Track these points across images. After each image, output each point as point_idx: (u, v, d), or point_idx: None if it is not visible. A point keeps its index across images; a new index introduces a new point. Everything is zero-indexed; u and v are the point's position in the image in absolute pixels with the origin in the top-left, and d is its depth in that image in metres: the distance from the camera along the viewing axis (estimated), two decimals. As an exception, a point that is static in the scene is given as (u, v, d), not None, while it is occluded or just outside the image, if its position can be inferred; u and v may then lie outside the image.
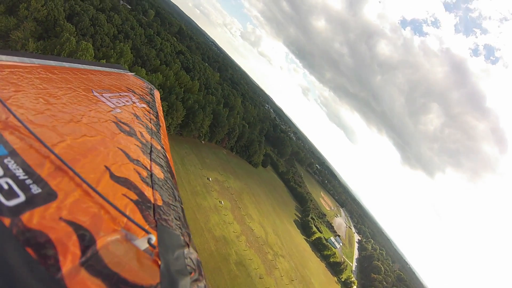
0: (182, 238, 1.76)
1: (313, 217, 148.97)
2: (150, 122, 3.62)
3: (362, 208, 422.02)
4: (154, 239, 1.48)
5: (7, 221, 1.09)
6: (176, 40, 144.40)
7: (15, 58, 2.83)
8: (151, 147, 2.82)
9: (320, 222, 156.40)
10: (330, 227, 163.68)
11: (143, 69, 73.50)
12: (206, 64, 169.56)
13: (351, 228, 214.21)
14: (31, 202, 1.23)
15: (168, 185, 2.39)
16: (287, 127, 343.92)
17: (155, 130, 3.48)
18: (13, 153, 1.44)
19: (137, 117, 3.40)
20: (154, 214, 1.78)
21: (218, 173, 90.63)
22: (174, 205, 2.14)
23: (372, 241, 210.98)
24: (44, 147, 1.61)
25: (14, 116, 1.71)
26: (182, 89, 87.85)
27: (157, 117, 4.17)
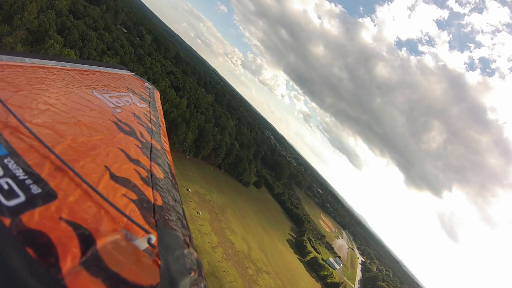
0: (182, 238, 1.77)
1: (310, 237, 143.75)
2: (150, 122, 3.61)
3: (367, 231, 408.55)
4: (154, 239, 1.47)
5: (7, 221, 1.09)
6: (170, 64, 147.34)
7: (15, 58, 2.83)
8: (151, 147, 2.81)
9: (319, 243, 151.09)
10: (330, 248, 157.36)
11: None
12: (202, 88, 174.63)
13: (353, 250, 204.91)
14: (31, 202, 1.23)
15: (168, 185, 2.39)
16: (287, 153, 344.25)
17: (155, 130, 3.47)
18: (13, 153, 1.44)
19: (137, 117, 3.40)
20: (154, 214, 1.80)
21: (200, 186, 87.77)
22: (174, 205, 2.14)
23: (378, 262, 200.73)
24: (44, 147, 1.61)
25: (14, 116, 1.72)
26: (166, 103, 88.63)
27: (157, 117, 4.13)
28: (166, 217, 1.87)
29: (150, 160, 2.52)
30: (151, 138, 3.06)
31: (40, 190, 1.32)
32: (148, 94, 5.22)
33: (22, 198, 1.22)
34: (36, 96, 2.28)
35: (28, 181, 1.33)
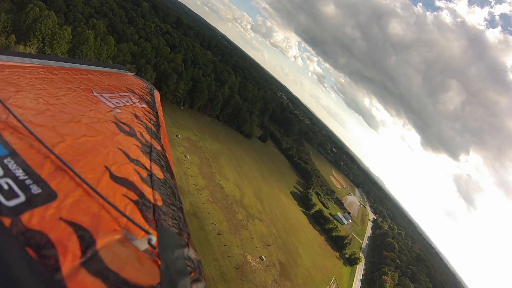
0: (182, 238, 1.78)
1: (319, 192, 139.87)
2: (150, 122, 3.59)
3: (383, 191, 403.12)
4: (154, 239, 1.49)
5: (7, 221, 1.10)
6: (167, 26, 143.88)
7: (15, 58, 2.84)
8: (151, 147, 2.82)
9: (328, 198, 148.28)
10: (340, 204, 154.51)
11: (111, 36, 72.52)
12: (207, 50, 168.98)
13: (365, 207, 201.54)
14: (31, 202, 1.24)
15: (168, 185, 2.39)
16: (301, 112, 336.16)
17: (154, 130, 3.46)
18: (13, 153, 1.45)
19: (137, 117, 3.39)
20: (154, 214, 1.80)
21: (192, 133, 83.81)
22: (174, 205, 2.14)
23: (390, 221, 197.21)
24: (44, 147, 1.62)
25: (14, 116, 1.73)
26: (156, 56, 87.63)
27: (157, 117, 4.11)
28: (166, 217, 1.86)
29: (150, 160, 2.51)
30: (151, 138, 3.04)
31: (40, 190, 1.32)
32: (148, 94, 5.12)
33: (22, 198, 1.22)
34: (36, 96, 2.28)
35: (28, 181, 1.33)
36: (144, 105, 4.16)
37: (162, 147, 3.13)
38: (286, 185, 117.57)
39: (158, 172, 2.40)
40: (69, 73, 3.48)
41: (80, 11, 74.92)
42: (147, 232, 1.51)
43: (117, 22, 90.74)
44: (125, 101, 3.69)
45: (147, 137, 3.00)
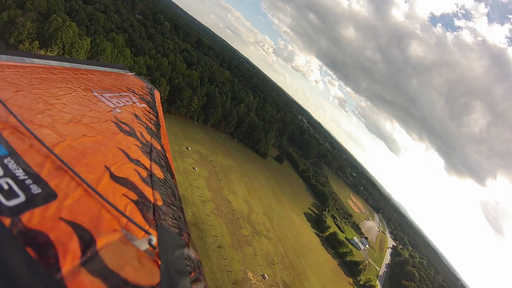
0: (182, 238, 1.79)
1: (335, 215, 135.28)
2: (150, 122, 3.61)
3: (405, 218, 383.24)
4: (154, 239, 1.49)
5: (7, 221, 1.10)
6: (186, 44, 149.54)
7: (15, 58, 2.85)
8: (151, 147, 2.83)
9: (344, 222, 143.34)
10: (357, 228, 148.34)
11: (128, 49, 75.89)
12: (227, 71, 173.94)
13: (385, 233, 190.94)
14: (31, 202, 1.24)
15: (168, 185, 2.40)
16: (321, 136, 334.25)
17: (155, 130, 3.47)
18: (13, 153, 1.46)
19: (137, 117, 3.40)
20: (154, 214, 1.81)
21: (204, 147, 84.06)
22: (174, 205, 2.16)
23: (411, 249, 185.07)
24: (44, 147, 1.63)
25: (14, 116, 1.74)
26: (172, 71, 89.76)
27: (157, 117, 4.13)
28: (166, 217, 1.87)
29: (150, 160, 2.51)
30: (151, 138, 3.04)
31: (40, 190, 1.32)
32: (148, 94, 5.14)
33: (22, 198, 1.22)
34: (36, 96, 2.29)
35: (28, 181, 1.33)
36: (144, 105, 4.18)
37: (162, 147, 3.14)
38: (299, 206, 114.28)
39: (158, 172, 2.41)
40: (69, 72, 3.50)
41: (101, 25, 78.77)
42: (147, 232, 1.51)
43: (136, 37, 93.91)
44: (125, 101, 3.70)
45: (147, 137, 3.01)
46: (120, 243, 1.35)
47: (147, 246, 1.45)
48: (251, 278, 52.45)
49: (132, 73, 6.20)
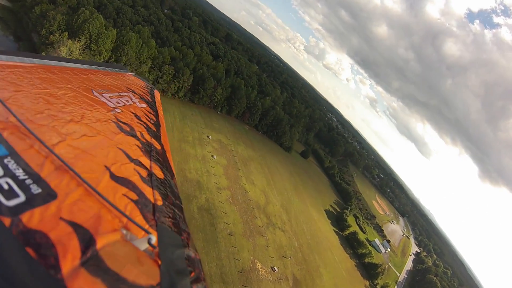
0: (182, 238, 1.80)
1: (357, 215, 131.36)
2: (150, 122, 3.64)
3: (432, 225, 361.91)
4: (154, 239, 1.50)
5: (7, 221, 1.11)
6: (214, 37, 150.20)
7: (15, 58, 2.89)
8: (151, 147, 2.85)
9: (367, 222, 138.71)
10: (379, 230, 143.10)
11: (153, 40, 76.46)
12: (256, 66, 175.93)
13: (409, 238, 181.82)
14: (31, 202, 1.25)
15: (168, 184, 2.42)
16: (350, 135, 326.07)
17: (155, 130, 3.50)
18: (13, 153, 1.48)
19: (137, 117, 3.43)
20: (154, 214, 1.83)
21: (225, 137, 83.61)
22: (174, 205, 2.17)
23: (436, 257, 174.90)
24: (44, 147, 1.65)
25: (14, 116, 1.76)
26: (197, 62, 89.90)
27: (157, 117, 4.14)
28: (167, 217, 1.88)
29: (150, 160, 2.53)
30: (151, 138, 3.05)
31: (40, 190, 1.33)
32: (148, 94, 5.17)
33: (22, 198, 1.23)
34: (36, 96, 2.31)
35: (28, 181, 1.34)
36: (144, 105, 4.18)
37: (162, 146, 3.13)
38: (321, 202, 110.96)
39: (158, 172, 2.42)
40: (69, 72, 3.51)
41: (128, 18, 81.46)
42: (147, 232, 1.52)
43: (162, 30, 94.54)
44: (125, 100, 3.71)
45: (147, 136, 3.01)
46: (120, 243, 1.35)
47: (147, 245, 1.44)
48: (259, 269, 51.30)
49: (132, 73, 6.18)
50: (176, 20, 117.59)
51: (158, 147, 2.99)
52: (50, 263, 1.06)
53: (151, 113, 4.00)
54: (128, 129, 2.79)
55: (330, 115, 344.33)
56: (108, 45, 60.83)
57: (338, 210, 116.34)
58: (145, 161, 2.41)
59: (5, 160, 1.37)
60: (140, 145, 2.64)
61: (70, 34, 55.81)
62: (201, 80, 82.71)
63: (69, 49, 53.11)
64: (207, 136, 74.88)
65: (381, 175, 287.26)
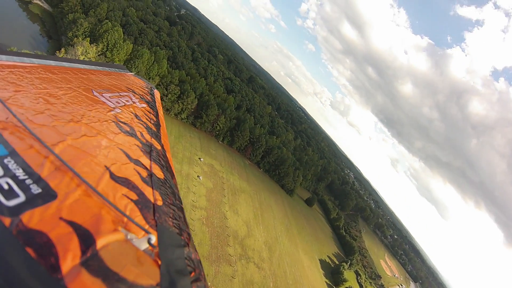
0: (182, 238, 1.79)
1: (359, 271, 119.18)
2: (150, 122, 3.59)
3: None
4: (154, 239, 1.49)
5: (7, 221, 1.10)
6: (231, 73, 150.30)
7: (15, 58, 2.86)
8: (151, 147, 2.82)
9: (369, 282, 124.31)
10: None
11: (166, 61, 78.83)
12: (270, 107, 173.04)
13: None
14: (31, 202, 1.24)
15: (168, 184, 2.40)
16: (366, 193, 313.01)
17: (155, 130, 3.45)
18: (13, 153, 1.47)
19: (137, 117, 3.39)
20: (154, 214, 1.82)
21: (218, 163, 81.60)
22: (174, 205, 2.16)
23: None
24: (44, 147, 1.63)
25: (14, 116, 1.74)
26: (208, 89, 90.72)
27: (157, 117, 4.09)
28: (166, 217, 1.87)
29: (150, 160, 2.50)
30: (151, 138, 3.02)
31: (40, 190, 1.32)
32: (148, 94, 5.06)
33: (22, 198, 1.22)
34: (36, 96, 2.29)
35: (28, 181, 1.33)
36: (145, 105, 4.13)
37: (162, 146, 3.08)
38: (316, 250, 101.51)
39: (158, 172, 2.39)
40: (69, 72, 3.46)
41: (149, 39, 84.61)
42: (147, 232, 1.50)
43: (180, 56, 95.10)
44: (125, 100, 3.65)
45: (147, 136, 2.98)
46: (120, 243, 1.33)
47: (147, 245, 1.43)
48: (214, 300, 45.30)
49: (132, 73, 6.06)
50: (197, 51, 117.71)
51: (158, 147, 2.95)
52: (50, 263, 1.04)
53: (151, 113, 3.94)
54: (128, 129, 2.75)
55: (348, 171, 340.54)
56: (122, 55, 65.43)
57: (337, 262, 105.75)
58: (145, 161, 2.38)
59: (5, 160, 1.35)
60: (140, 145, 2.60)
61: (91, 40, 62.48)
62: (205, 106, 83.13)
63: (85, 50, 57.81)
64: (199, 158, 73.43)
65: (395, 236, 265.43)
